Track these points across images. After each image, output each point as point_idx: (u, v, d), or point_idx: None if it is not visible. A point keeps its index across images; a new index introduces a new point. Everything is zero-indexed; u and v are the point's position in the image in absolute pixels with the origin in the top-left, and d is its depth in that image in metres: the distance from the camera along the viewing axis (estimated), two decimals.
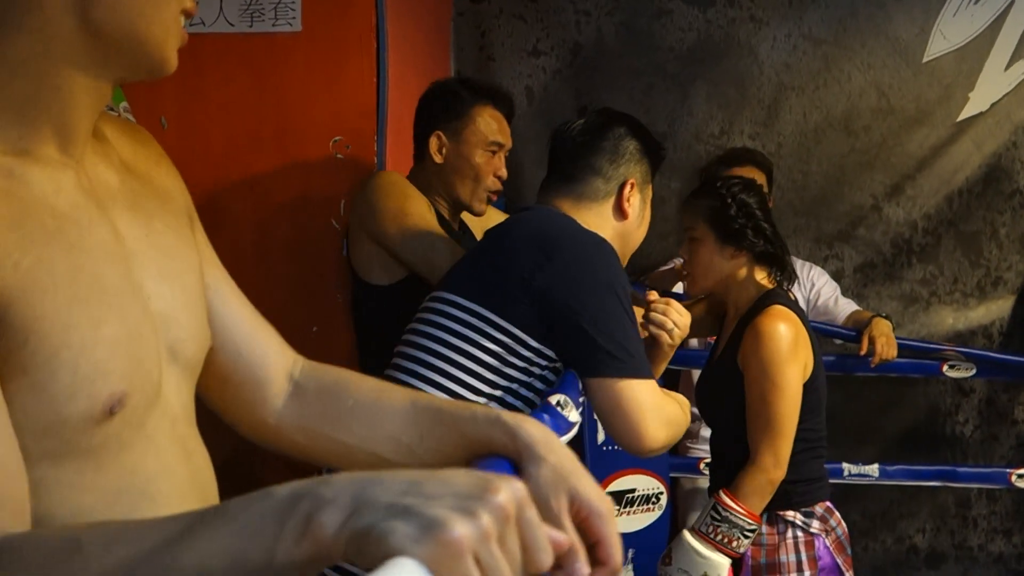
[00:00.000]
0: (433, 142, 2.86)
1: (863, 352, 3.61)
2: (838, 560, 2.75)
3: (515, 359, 2.08)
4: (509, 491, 0.82)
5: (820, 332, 3.88)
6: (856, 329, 3.71)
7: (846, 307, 3.89)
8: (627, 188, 2.30)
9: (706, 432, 3.97)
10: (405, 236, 2.68)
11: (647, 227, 2.40)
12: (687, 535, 2.69)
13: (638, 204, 2.33)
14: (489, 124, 2.86)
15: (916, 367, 3.84)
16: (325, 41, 3.01)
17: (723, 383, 2.82)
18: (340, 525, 0.79)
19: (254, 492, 0.85)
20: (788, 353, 2.69)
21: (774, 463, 2.67)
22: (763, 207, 2.86)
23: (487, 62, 4.17)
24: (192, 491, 1.13)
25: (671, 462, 3.72)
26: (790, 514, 2.74)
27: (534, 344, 2.08)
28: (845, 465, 3.81)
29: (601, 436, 3.49)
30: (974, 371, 3.77)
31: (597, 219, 2.27)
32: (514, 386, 2.09)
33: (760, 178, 3.96)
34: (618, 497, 3.51)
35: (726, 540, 2.66)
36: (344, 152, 3.03)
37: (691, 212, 2.88)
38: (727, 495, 2.67)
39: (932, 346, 3.88)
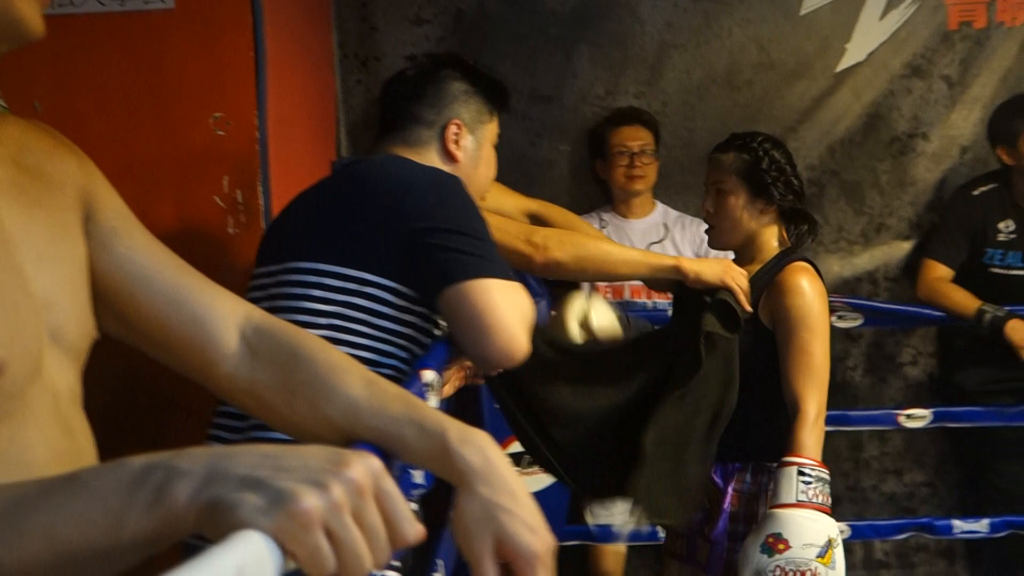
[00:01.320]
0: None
1: None
2: None
3: (387, 321, 2.00)
4: (363, 465, 0.82)
5: None
6: None
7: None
8: (450, 130, 2.27)
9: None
10: None
11: (493, 168, 2.38)
12: (794, 510, 2.53)
13: (471, 145, 2.30)
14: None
15: None
16: (200, 17, 2.96)
17: (743, 341, 2.78)
18: (191, 496, 0.78)
19: (109, 462, 0.84)
20: (820, 303, 2.73)
21: (820, 411, 2.66)
22: (791, 163, 2.87)
23: (370, 32, 4.14)
24: (72, 465, 1.11)
25: None
26: (774, 466, 2.69)
27: (400, 289, 1.99)
28: None
29: None
30: (861, 320, 3.86)
31: (428, 164, 2.21)
32: (390, 348, 2.01)
33: (647, 137, 4.01)
34: (517, 458, 3.53)
35: (823, 498, 2.58)
36: (225, 129, 2.99)
37: (720, 166, 2.87)
38: (802, 455, 2.58)
39: None
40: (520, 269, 3.29)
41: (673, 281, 2.70)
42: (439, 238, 1.95)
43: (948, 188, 4.20)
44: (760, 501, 2.71)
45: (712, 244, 2.97)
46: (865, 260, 4.27)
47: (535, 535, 1.01)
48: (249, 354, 1.26)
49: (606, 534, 4.03)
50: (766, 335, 2.74)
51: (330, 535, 0.79)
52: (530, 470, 3.57)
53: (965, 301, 3.77)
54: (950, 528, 3.96)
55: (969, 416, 3.91)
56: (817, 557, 2.50)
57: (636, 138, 3.98)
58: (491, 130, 2.35)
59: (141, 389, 2.85)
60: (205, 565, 0.67)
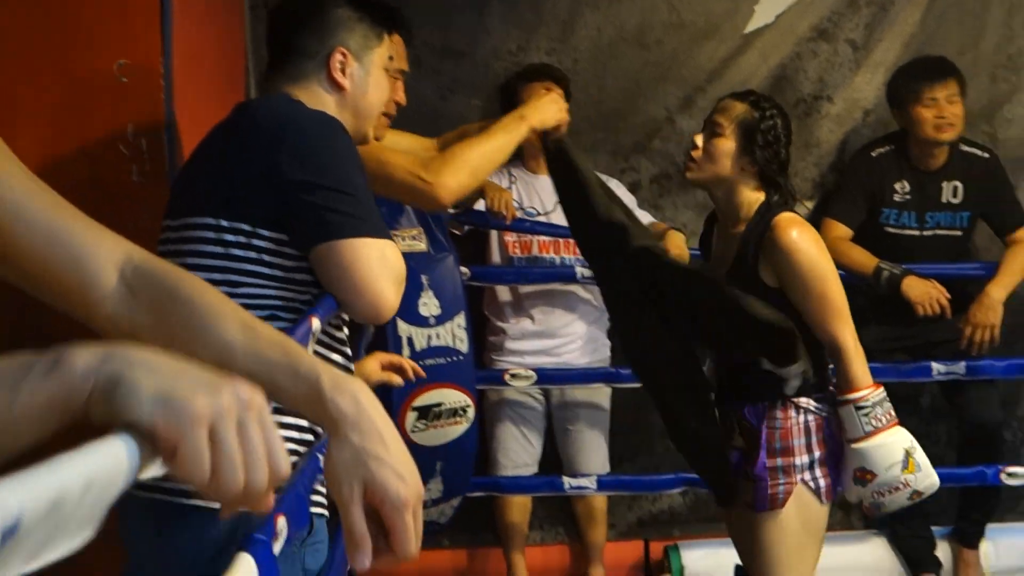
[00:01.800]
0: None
1: None
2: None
3: (280, 271, 2.01)
4: (252, 390, 0.84)
5: None
6: None
7: (643, 219, 4.00)
8: (334, 59, 2.20)
9: (512, 344, 4.07)
10: None
11: (385, 91, 2.32)
12: (864, 442, 2.76)
13: (358, 72, 2.24)
14: (397, 49, 2.70)
15: None
16: None
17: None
18: (89, 367, 0.78)
19: None
20: (817, 247, 2.83)
21: (854, 338, 2.80)
22: (788, 138, 2.94)
23: None
24: None
25: (477, 375, 3.80)
26: (803, 400, 2.84)
27: (285, 239, 2.00)
28: None
29: (406, 352, 3.52)
30: None
31: (314, 98, 2.18)
32: (288, 297, 2.02)
33: (557, 92, 4.03)
34: (424, 411, 3.57)
35: (886, 417, 2.79)
36: (130, 76, 2.96)
37: (727, 109, 2.94)
38: (854, 390, 2.77)
39: None
40: (430, 210, 3.30)
41: None
42: (313, 195, 1.96)
43: (850, 150, 4.30)
44: (793, 434, 2.84)
45: (688, 174, 3.04)
46: None
47: (403, 482, 1.02)
48: (129, 295, 1.24)
49: (514, 485, 4.09)
50: (768, 291, 2.82)
51: (211, 439, 0.79)
52: (438, 423, 3.61)
53: (864, 259, 3.87)
54: None
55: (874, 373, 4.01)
56: (903, 470, 2.78)
57: (548, 92, 3.99)
58: (380, 54, 2.28)
59: (28, 334, 2.83)
60: (52, 470, 0.66)
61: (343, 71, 2.22)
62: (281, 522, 1.64)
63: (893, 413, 2.81)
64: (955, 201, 4.02)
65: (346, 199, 1.97)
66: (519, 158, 4.12)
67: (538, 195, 4.08)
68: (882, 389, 2.81)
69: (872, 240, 3.98)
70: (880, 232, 4.04)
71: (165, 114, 3.00)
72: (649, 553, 4.48)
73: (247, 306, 1.96)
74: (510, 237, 4.08)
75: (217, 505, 0.85)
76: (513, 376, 3.95)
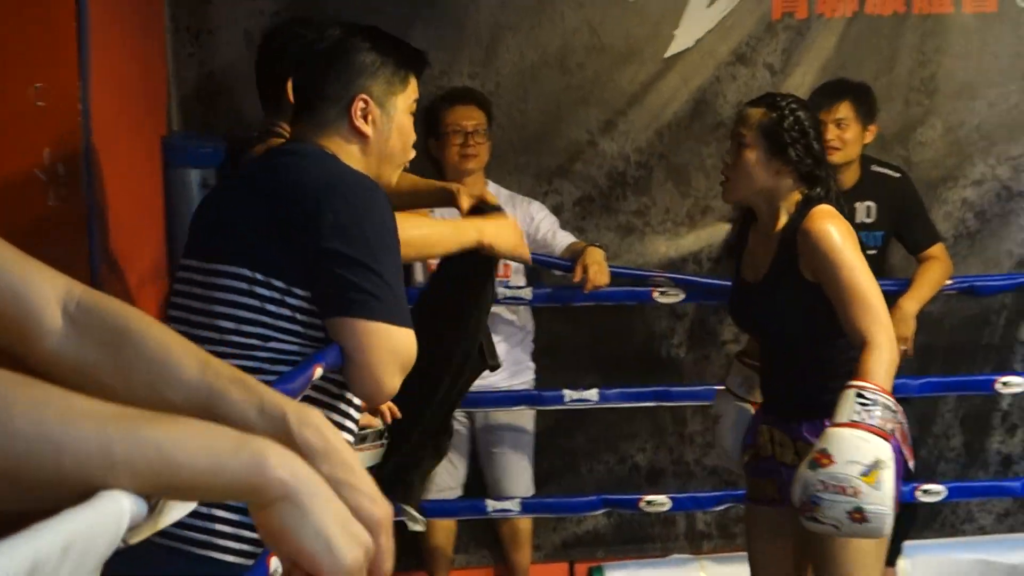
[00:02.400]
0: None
1: (576, 280, 3.78)
2: (903, 451, 2.76)
3: (311, 329, 2.03)
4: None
5: (538, 264, 4.02)
6: (572, 259, 3.87)
7: (564, 239, 4.04)
8: (355, 106, 2.17)
9: None
10: None
11: (410, 135, 2.28)
12: (845, 428, 2.58)
13: (381, 118, 2.19)
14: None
15: (629, 295, 4.05)
16: None
17: (783, 297, 2.87)
18: (282, 481, 0.91)
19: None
20: (851, 240, 2.79)
21: (889, 339, 2.69)
22: (816, 127, 2.90)
23: (203, 5, 4.09)
24: None
25: None
26: None
27: (300, 292, 2.02)
28: (566, 392, 3.98)
29: None
30: (683, 296, 4.00)
31: (339, 148, 2.18)
32: (309, 352, 2.04)
33: (480, 117, 4.06)
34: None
35: (882, 423, 2.58)
36: (46, 99, 2.93)
37: (746, 120, 2.91)
38: (865, 380, 2.62)
39: (642, 273, 4.10)
40: None
41: None
42: (343, 267, 1.98)
43: None
44: None
45: (725, 196, 3.06)
46: (691, 241, 4.40)
47: (375, 504, 1.05)
48: (74, 331, 1.22)
49: (436, 509, 4.08)
50: (812, 288, 2.81)
51: None
52: (363, 446, 3.61)
53: None
54: None
55: None
56: (861, 475, 2.52)
57: (470, 117, 4.02)
58: (404, 99, 2.25)
59: None
60: (28, 537, 0.69)
61: (365, 118, 2.18)
62: (273, 563, 1.74)
63: (890, 428, 2.62)
64: (868, 221, 4.10)
65: (373, 278, 1.99)
66: (440, 176, 4.12)
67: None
68: (894, 400, 2.65)
69: None
70: None
71: (83, 138, 2.98)
72: (574, 574, 4.49)
73: (274, 360, 2.02)
74: (433, 259, 4.08)
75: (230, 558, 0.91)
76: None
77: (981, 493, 4.47)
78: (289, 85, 2.59)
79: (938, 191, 4.42)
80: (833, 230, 2.78)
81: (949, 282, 4.04)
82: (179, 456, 0.87)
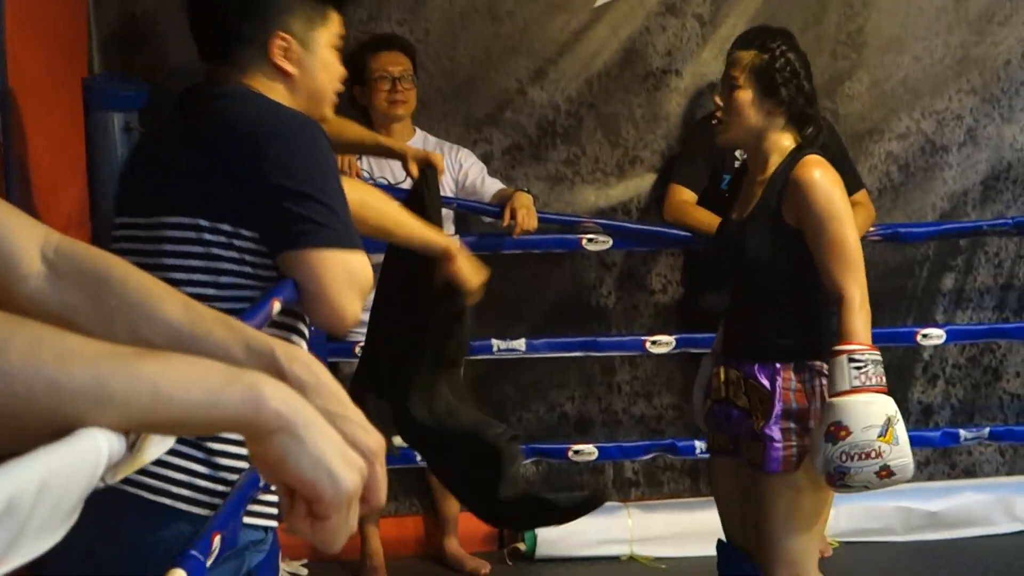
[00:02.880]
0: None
1: (505, 224, 3.78)
2: None
3: (261, 270, 2.00)
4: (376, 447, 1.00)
5: (466, 210, 4.02)
6: (501, 205, 3.86)
7: (492, 186, 4.02)
8: (275, 44, 2.09)
9: (364, 316, 4.03)
10: None
11: (336, 70, 2.18)
12: (849, 396, 2.65)
13: (304, 55, 2.11)
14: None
15: (558, 242, 4.06)
16: None
17: (760, 236, 2.86)
18: (279, 414, 0.90)
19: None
20: (839, 191, 2.79)
21: (863, 295, 2.73)
22: (806, 67, 2.90)
23: None
24: None
25: (329, 347, 3.77)
26: (818, 364, 2.80)
27: (247, 234, 1.98)
28: (494, 341, 3.98)
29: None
30: (611, 243, 4.01)
31: (265, 87, 2.10)
32: (233, 292, 1.99)
33: (406, 63, 4.02)
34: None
35: (877, 379, 2.67)
36: None
37: (737, 62, 2.91)
38: (851, 342, 2.67)
39: (570, 218, 4.12)
40: None
41: None
42: (289, 200, 1.95)
43: None
44: (808, 396, 2.80)
45: (718, 139, 3.05)
46: (620, 191, 4.40)
47: (369, 434, 1.04)
48: (54, 276, 1.21)
49: None
50: (791, 234, 2.82)
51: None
52: None
53: (708, 220, 3.93)
54: (693, 449, 4.17)
55: (709, 342, 4.09)
56: (879, 436, 2.63)
57: (396, 63, 3.98)
58: (326, 34, 2.15)
59: None
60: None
61: (286, 57, 2.10)
62: (216, 541, 1.72)
63: (884, 379, 2.72)
64: None
65: (319, 207, 1.95)
66: (367, 123, 4.08)
67: (389, 166, 4.05)
68: (878, 352, 2.72)
69: (713, 205, 4.06)
70: (722, 198, 4.12)
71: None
72: None
73: (232, 310, 1.92)
74: (373, 237, 4.04)
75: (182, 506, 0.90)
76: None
77: None
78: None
79: (864, 144, 4.46)
80: (823, 180, 2.80)
81: (873, 229, 4.09)
82: (174, 391, 0.87)
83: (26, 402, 0.82)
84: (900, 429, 2.67)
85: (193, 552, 1.56)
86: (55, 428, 0.82)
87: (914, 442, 4.38)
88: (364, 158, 4.03)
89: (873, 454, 2.63)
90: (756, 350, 2.90)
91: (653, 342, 4.07)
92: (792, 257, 2.84)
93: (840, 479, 2.67)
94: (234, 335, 1.16)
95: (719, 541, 3.16)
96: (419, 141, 4.11)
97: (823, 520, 2.93)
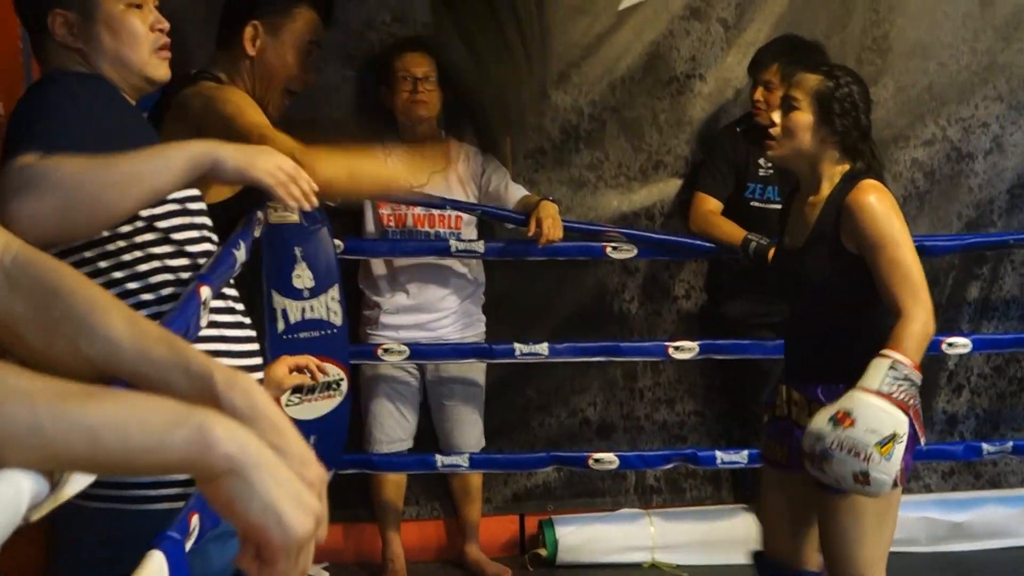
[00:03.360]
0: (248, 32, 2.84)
1: (531, 234, 3.77)
2: (915, 426, 2.76)
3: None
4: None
5: (491, 217, 4.01)
6: (525, 213, 3.85)
7: (516, 192, 4.02)
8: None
9: (387, 319, 4.03)
10: None
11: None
12: (873, 397, 2.65)
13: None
14: (309, 26, 2.92)
15: (582, 250, 4.04)
16: None
17: (820, 262, 2.88)
18: (229, 455, 0.90)
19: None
20: (896, 214, 2.81)
21: (926, 314, 2.73)
22: (866, 103, 2.92)
23: None
24: None
25: (351, 349, 3.77)
26: None
27: None
28: (516, 345, 3.96)
29: (281, 325, 3.49)
30: (635, 252, 3.99)
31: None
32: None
33: (430, 64, 4.01)
34: (298, 386, 3.52)
35: (906, 398, 2.67)
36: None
37: (801, 83, 2.92)
38: (899, 351, 2.68)
39: (595, 227, 4.09)
40: None
41: None
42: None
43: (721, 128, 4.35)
44: None
45: (769, 154, 3.05)
46: (643, 196, 4.38)
47: (307, 467, 1.03)
48: (6, 285, 1.19)
49: (386, 463, 4.07)
50: (851, 259, 2.83)
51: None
52: (311, 397, 3.58)
53: (733, 231, 3.93)
54: (713, 459, 4.14)
55: (732, 348, 4.09)
56: (877, 444, 2.61)
57: (420, 64, 3.97)
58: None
59: None
60: None
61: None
62: (194, 520, 1.67)
63: (913, 403, 2.72)
64: None
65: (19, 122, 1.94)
66: (395, 132, 4.08)
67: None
68: (920, 376, 2.72)
69: (739, 215, 4.05)
70: (746, 207, 4.11)
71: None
72: (524, 527, 4.50)
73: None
74: (384, 210, 4.04)
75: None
76: (386, 351, 3.92)
77: (924, 456, 4.50)
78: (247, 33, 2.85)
79: (889, 151, 4.42)
80: (880, 204, 2.81)
81: None
82: (114, 438, 0.86)
83: None
84: (899, 450, 2.65)
85: (171, 533, 1.53)
86: None
87: (937, 455, 4.42)
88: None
89: (863, 456, 2.62)
90: (820, 372, 2.91)
91: (676, 348, 4.04)
92: (854, 282, 2.85)
93: (819, 461, 2.66)
94: (175, 357, 1.15)
95: (755, 552, 3.14)
96: None
97: (889, 532, 2.91)
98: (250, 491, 0.90)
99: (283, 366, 2.81)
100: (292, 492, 0.93)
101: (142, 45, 2.10)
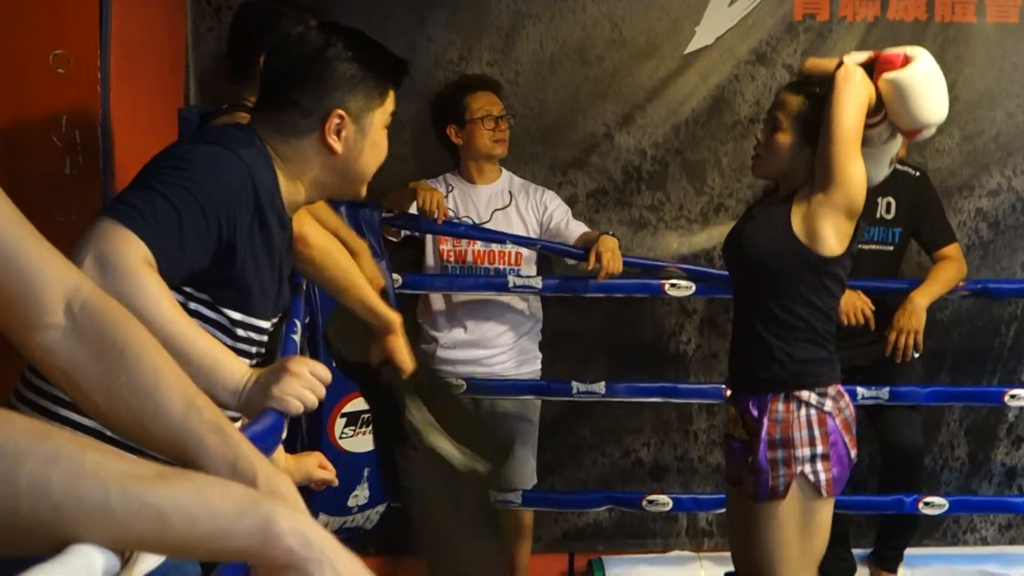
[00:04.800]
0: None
1: (590, 267, 3.78)
2: (845, 439, 2.93)
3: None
4: None
5: (551, 251, 4.03)
6: (585, 248, 3.86)
7: (576, 229, 4.04)
8: (331, 121, 2.03)
9: (444, 353, 4.05)
10: None
11: (382, 152, 2.13)
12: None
13: (354, 135, 2.05)
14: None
15: (640, 287, 4.04)
16: None
17: (765, 228, 3.01)
18: (292, 552, 0.90)
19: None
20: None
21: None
22: None
23: None
24: None
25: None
26: (804, 394, 2.92)
27: None
28: (573, 383, 3.97)
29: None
30: (694, 289, 3.99)
31: (297, 155, 2.05)
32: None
33: (500, 104, 4.05)
34: (353, 418, 3.55)
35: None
36: (65, 67, 2.93)
37: (784, 105, 3.02)
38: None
39: (654, 263, 4.10)
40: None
41: None
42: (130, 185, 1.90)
43: None
44: (795, 427, 2.90)
45: (754, 171, 3.16)
46: (703, 239, 4.38)
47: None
48: (73, 334, 1.19)
49: None
50: (792, 238, 2.92)
51: None
52: (366, 429, 3.60)
53: None
54: None
55: None
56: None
57: (496, 103, 4.03)
58: (381, 115, 2.10)
59: None
60: None
61: (338, 134, 2.04)
62: None
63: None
64: (888, 217, 4.10)
65: (142, 193, 1.81)
66: (456, 167, 4.12)
67: (474, 205, 4.09)
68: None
69: None
70: None
71: (101, 106, 2.97)
72: (574, 566, 4.49)
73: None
74: (445, 245, 4.08)
75: None
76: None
77: (983, 508, 4.46)
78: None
79: (953, 200, 4.40)
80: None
81: (962, 283, 4.05)
82: (181, 524, 0.87)
83: (28, 520, 0.83)
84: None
85: None
86: (54, 543, 0.83)
87: (994, 508, 4.36)
88: (451, 196, 4.07)
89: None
90: (748, 384, 3.02)
91: None
92: (784, 283, 2.94)
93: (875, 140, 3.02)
94: (225, 449, 1.17)
95: (727, 573, 3.26)
96: (505, 181, 4.14)
97: (818, 542, 2.97)
98: None
99: (313, 460, 2.79)
100: None
101: (375, 167, 2.15)
